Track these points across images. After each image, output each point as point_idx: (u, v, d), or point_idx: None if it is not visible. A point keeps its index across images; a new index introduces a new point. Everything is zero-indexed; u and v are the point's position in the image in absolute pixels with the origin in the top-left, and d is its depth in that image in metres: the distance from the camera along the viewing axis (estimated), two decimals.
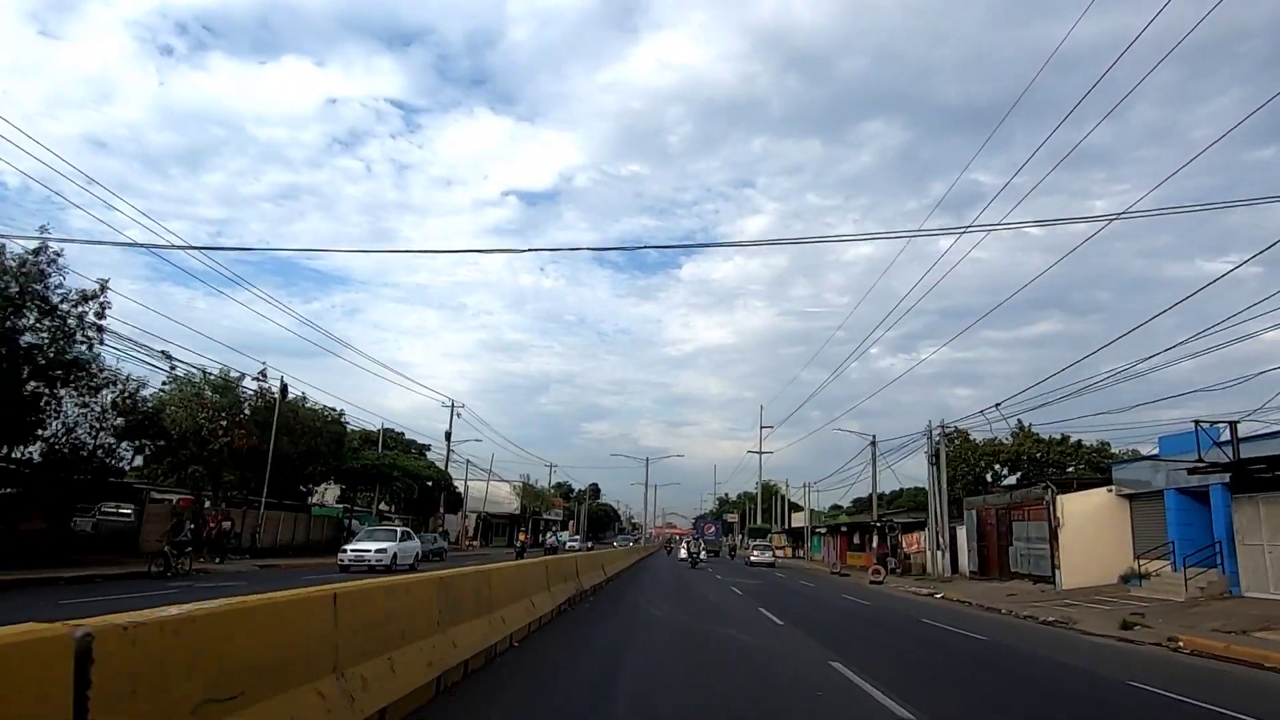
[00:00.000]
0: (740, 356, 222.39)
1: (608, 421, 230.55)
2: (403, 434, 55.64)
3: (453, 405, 50.48)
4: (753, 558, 50.75)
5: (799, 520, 76.29)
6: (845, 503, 79.13)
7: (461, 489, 60.00)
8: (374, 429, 50.05)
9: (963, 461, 43.95)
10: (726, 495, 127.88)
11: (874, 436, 43.29)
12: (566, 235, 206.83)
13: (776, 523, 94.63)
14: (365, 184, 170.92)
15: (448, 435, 51.26)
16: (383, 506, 50.73)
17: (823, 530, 65.19)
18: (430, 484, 49.63)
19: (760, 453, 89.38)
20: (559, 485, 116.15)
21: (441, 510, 52.30)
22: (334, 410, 36.56)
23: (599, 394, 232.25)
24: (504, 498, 75.07)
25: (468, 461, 58.45)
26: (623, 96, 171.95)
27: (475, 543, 60.59)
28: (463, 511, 60.22)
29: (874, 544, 45.29)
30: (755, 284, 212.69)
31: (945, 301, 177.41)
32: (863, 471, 46.83)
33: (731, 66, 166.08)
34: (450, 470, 53.17)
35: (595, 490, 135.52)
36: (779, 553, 62.47)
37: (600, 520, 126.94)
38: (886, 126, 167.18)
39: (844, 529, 57.29)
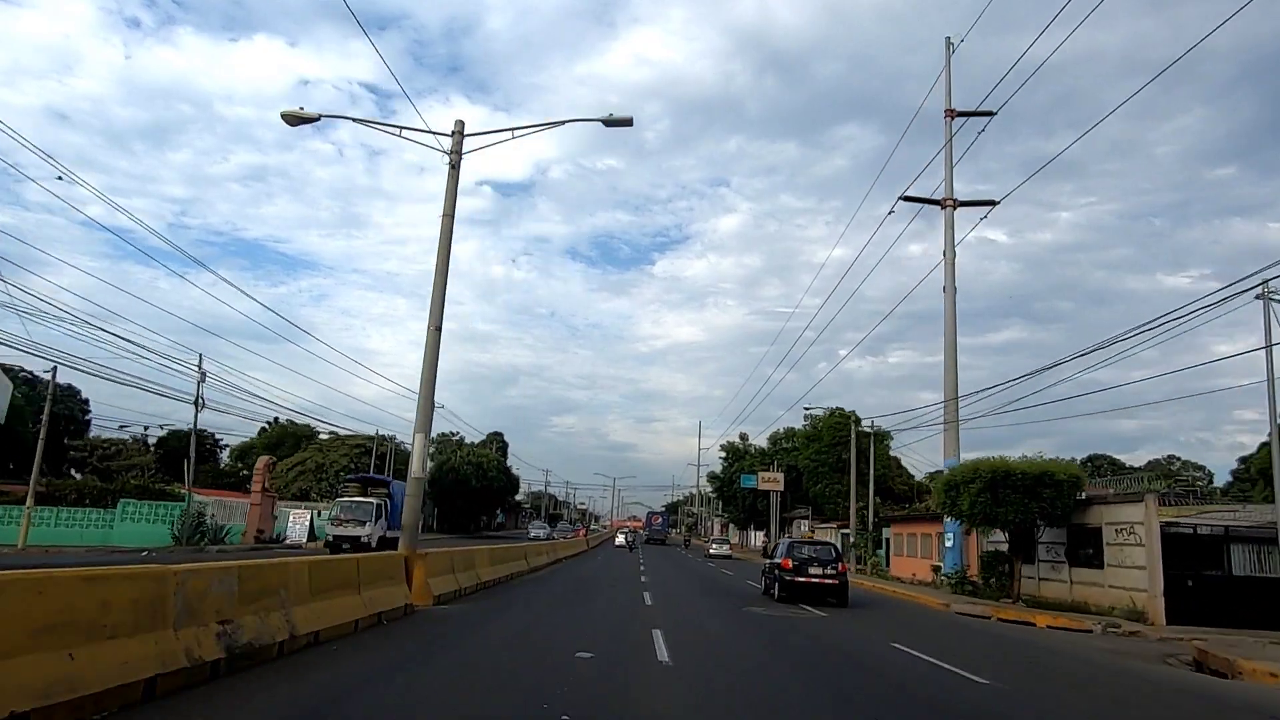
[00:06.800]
0: (710, 354, 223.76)
1: (576, 415, 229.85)
2: None
3: None
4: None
5: None
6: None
7: None
8: None
9: None
10: (740, 440, 72.94)
11: None
12: (541, 227, 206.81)
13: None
14: (336, 168, 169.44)
15: None
16: None
17: None
18: None
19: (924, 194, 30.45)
20: (445, 436, 73.32)
21: None
22: None
23: (568, 388, 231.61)
24: None
25: None
26: (600, 90, 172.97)
27: None
28: None
29: None
30: (727, 282, 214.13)
31: (912, 305, 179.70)
32: None
33: (710, 65, 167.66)
34: None
35: (497, 441, 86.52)
36: None
37: (473, 491, 66.45)
38: (861, 130, 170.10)
39: None
